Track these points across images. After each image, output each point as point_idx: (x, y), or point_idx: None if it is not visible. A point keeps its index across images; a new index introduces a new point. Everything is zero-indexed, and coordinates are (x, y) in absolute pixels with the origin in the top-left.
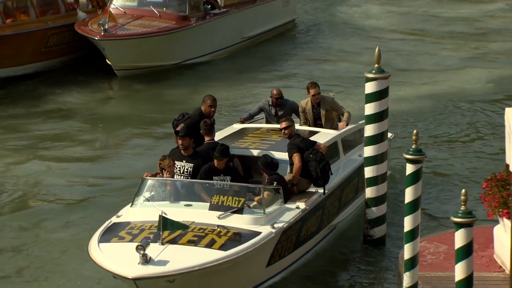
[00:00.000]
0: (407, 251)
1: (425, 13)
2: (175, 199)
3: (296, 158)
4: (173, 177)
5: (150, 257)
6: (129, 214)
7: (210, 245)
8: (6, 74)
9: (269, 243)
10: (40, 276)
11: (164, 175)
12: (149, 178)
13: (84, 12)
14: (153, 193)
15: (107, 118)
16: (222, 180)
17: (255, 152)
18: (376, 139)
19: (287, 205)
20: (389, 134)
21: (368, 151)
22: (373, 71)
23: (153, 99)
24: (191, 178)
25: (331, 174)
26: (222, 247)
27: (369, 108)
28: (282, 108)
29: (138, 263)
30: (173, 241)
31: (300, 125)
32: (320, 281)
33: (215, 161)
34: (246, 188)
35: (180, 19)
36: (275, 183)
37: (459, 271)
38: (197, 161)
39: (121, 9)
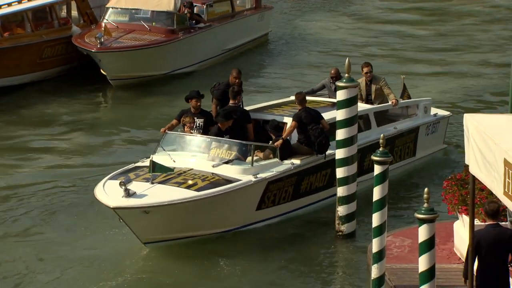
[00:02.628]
0: (375, 245)
1: (394, 29)
2: (186, 150)
3: (290, 123)
4: (191, 131)
5: (135, 192)
6: (148, 160)
7: (190, 186)
8: (4, 83)
9: (250, 190)
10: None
11: (185, 130)
12: (168, 132)
13: (77, 27)
14: (170, 144)
15: (101, 124)
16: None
17: (279, 118)
18: (347, 142)
19: (285, 162)
20: (446, 113)
21: (340, 153)
22: (344, 80)
23: (145, 106)
24: (202, 131)
25: (329, 145)
26: (199, 189)
27: (341, 114)
28: None
29: (122, 196)
30: (163, 182)
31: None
32: (293, 270)
33: (220, 123)
34: (238, 144)
35: (168, 32)
36: (270, 142)
37: (423, 263)
38: (205, 117)
39: (114, 24)
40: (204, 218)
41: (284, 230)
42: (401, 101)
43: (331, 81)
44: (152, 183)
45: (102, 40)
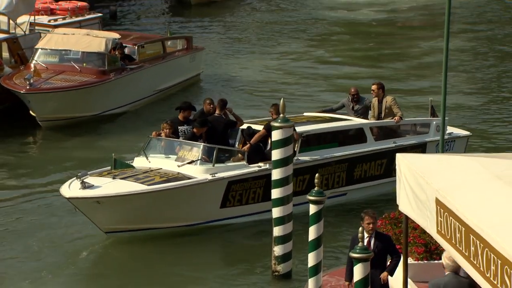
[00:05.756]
0: (310, 285)
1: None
2: (161, 153)
3: (260, 131)
4: (168, 137)
5: (92, 185)
6: (134, 160)
7: (145, 182)
8: None
9: (208, 187)
10: None
11: (162, 135)
12: (151, 137)
13: (9, 68)
14: (151, 147)
15: (25, 165)
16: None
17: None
18: (282, 182)
19: (252, 165)
20: (466, 133)
21: (276, 193)
22: (279, 121)
23: (73, 147)
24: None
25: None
26: (151, 184)
27: (276, 154)
28: (358, 104)
29: (79, 188)
30: (125, 178)
31: (371, 115)
32: None
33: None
34: (204, 147)
35: (99, 73)
36: (236, 144)
37: None
38: (191, 125)
39: (43, 65)
40: (163, 211)
41: (225, 259)
42: (406, 119)
43: (350, 100)
44: (114, 178)
45: (32, 81)
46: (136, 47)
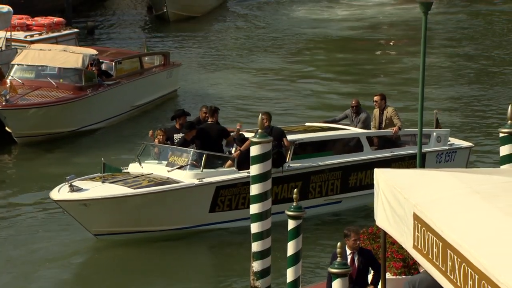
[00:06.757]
0: None
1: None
2: (154, 158)
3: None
4: (161, 143)
5: (81, 188)
6: (130, 166)
7: (132, 186)
8: None
9: (196, 192)
10: None
11: (155, 141)
12: (145, 143)
13: None
14: (145, 153)
15: (5, 181)
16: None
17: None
18: (261, 197)
19: (241, 171)
20: (468, 144)
21: (254, 208)
22: (257, 136)
23: (49, 163)
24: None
25: (284, 160)
26: (137, 188)
27: (254, 169)
28: (358, 115)
29: (67, 192)
30: (114, 182)
31: (372, 125)
32: None
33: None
34: (193, 153)
35: (76, 89)
36: (227, 151)
37: None
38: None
39: (20, 81)
40: (150, 215)
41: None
42: (404, 130)
43: (352, 111)
44: (104, 182)
45: (8, 97)
46: (113, 63)
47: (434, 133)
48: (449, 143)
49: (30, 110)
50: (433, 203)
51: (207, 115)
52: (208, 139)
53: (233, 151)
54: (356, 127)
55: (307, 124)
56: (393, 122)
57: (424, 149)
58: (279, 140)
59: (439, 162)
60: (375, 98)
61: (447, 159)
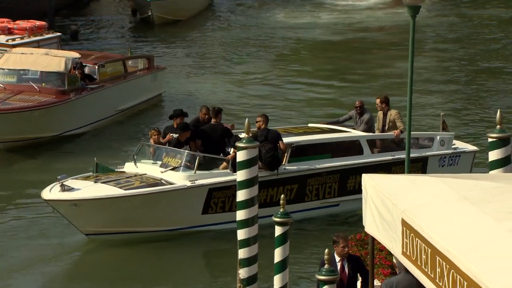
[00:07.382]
0: None
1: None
2: (149, 159)
3: None
4: (156, 143)
5: (72, 188)
6: (125, 165)
7: (123, 186)
8: None
9: (188, 193)
10: None
11: (151, 141)
12: (141, 143)
13: None
14: (141, 153)
15: None
16: (184, 149)
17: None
18: (247, 204)
19: (235, 173)
20: (473, 148)
21: (240, 214)
22: (244, 141)
23: (31, 169)
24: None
25: (279, 163)
26: (128, 189)
27: (241, 175)
28: (361, 116)
29: (59, 191)
30: (106, 182)
31: (376, 127)
32: None
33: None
34: (186, 154)
35: (59, 93)
36: (222, 154)
37: None
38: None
39: (1, 85)
40: (142, 216)
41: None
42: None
43: (356, 112)
44: (96, 182)
45: None
46: (97, 67)
47: (438, 137)
48: (453, 146)
49: (11, 114)
50: (422, 209)
51: (207, 115)
52: (212, 140)
53: (231, 152)
54: (359, 127)
55: (309, 125)
56: (396, 125)
57: (427, 153)
58: (275, 143)
59: (442, 166)
60: (376, 101)
61: (451, 163)
